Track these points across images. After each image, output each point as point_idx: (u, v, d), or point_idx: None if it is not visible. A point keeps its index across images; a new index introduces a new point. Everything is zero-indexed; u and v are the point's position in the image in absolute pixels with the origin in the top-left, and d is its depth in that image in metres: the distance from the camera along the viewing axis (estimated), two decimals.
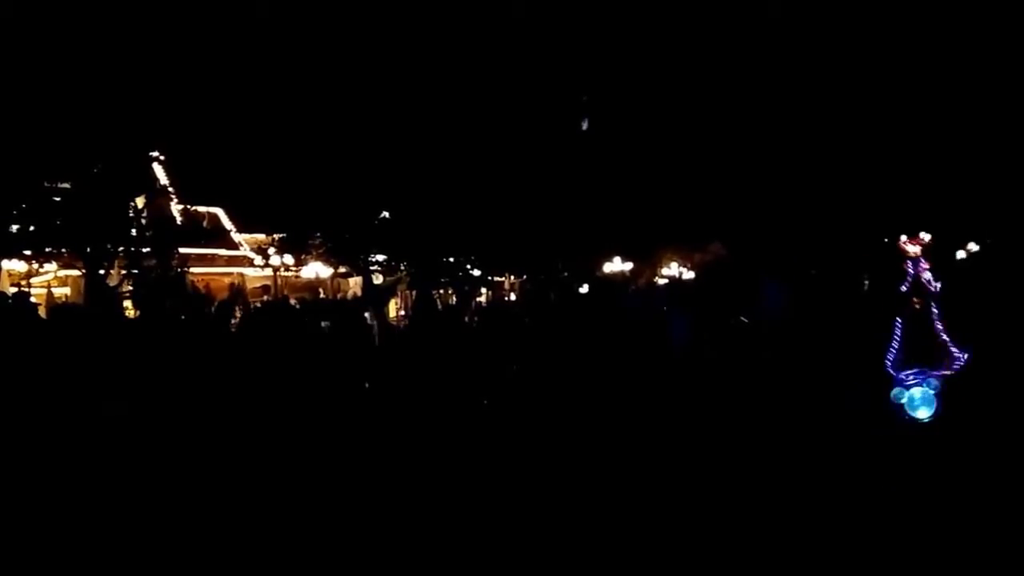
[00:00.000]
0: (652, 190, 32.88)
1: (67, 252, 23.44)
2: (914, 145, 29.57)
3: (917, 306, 11.05)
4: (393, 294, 29.49)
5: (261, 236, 32.87)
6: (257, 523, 6.49)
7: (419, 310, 24.08)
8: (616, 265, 33.03)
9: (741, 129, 31.73)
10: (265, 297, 28.42)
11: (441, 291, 31.85)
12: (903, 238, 11.49)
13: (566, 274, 31.86)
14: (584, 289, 26.56)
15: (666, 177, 32.56)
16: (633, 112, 34.04)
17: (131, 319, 20.57)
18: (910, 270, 11.24)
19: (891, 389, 10.62)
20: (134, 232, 23.91)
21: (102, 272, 22.59)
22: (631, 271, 32.01)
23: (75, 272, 24.07)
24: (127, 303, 22.32)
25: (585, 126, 36.45)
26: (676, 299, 18.94)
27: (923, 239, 11.38)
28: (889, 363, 10.95)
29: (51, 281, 26.25)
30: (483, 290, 34.84)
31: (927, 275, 11.17)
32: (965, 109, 29.20)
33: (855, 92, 30.46)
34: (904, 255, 11.41)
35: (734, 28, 32.27)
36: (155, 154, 27.40)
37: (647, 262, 31.49)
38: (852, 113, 30.40)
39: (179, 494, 7.23)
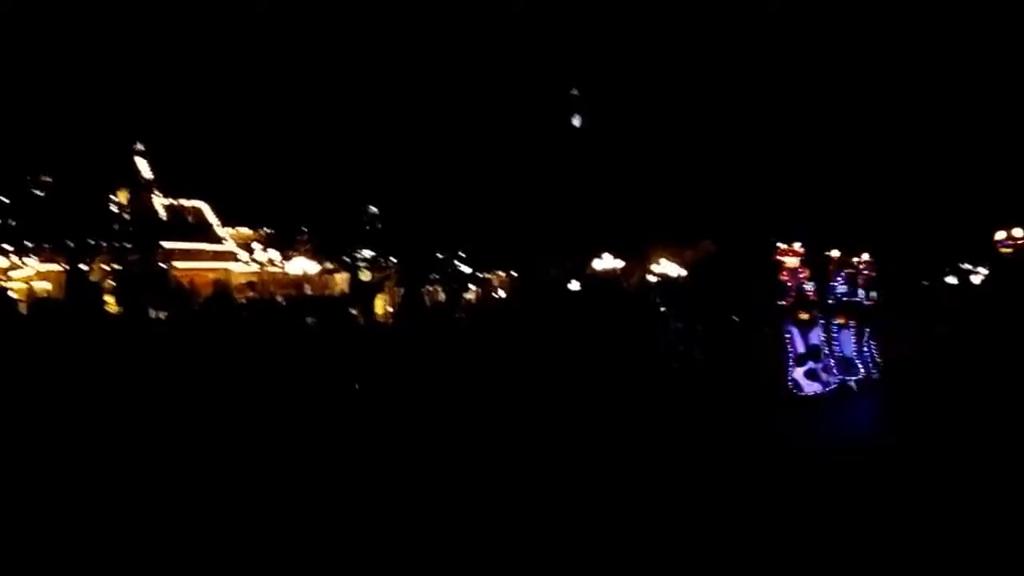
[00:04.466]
0: (644, 187, 32.69)
1: (48, 246, 23.13)
2: (912, 143, 29.45)
3: (805, 317, 10.78)
4: (380, 291, 29.26)
5: (247, 231, 32.55)
6: (243, 523, 6.30)
7: (407, 307, 23.87)
8: (607, 263, 32.83)
9: (733, 126, 31.59)
10: (250, 293, 28.13)
11: (430, 288, 31.63)
12: (782, 246, 11.21)
13: (554, 272, 31.67)
14: (575, 286, 26.37)
15: (658, 174, 32.37)
16: (625, 108, 33.85)
17: (113, 315, 20.32)
18: (789, 282, 10.96)
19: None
20: (116, 226, 23.59)
21: (84, 267, 22.29)
22: (622, 269, 31.85)
23: (56, 267, 23.70)
24: (109, 299, 22.04)
25: (576, 122, 36.27)
26: (669, 299, 18.75)
27: (799, 249, 11.11)
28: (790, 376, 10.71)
29: (31, 276, 25.89)
30: (472, 287, 34.66)
31: (809, 285, 10.93)
32: (972, 112, 29.07)
33: (851, 87, 30.36)
34: (781, 267, 11.13)
35: (726, 24, 32.18)
36: (138, 147, 27.08)
37: (638, 260, 31.33)
38: (848, 108, 30.28)
39: (161, 492, 7.04)
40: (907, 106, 29.58)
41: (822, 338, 11.13)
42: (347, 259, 30.29)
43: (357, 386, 12.38)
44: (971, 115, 28.79)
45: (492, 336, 15.48)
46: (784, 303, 11.14)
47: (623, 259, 32.32)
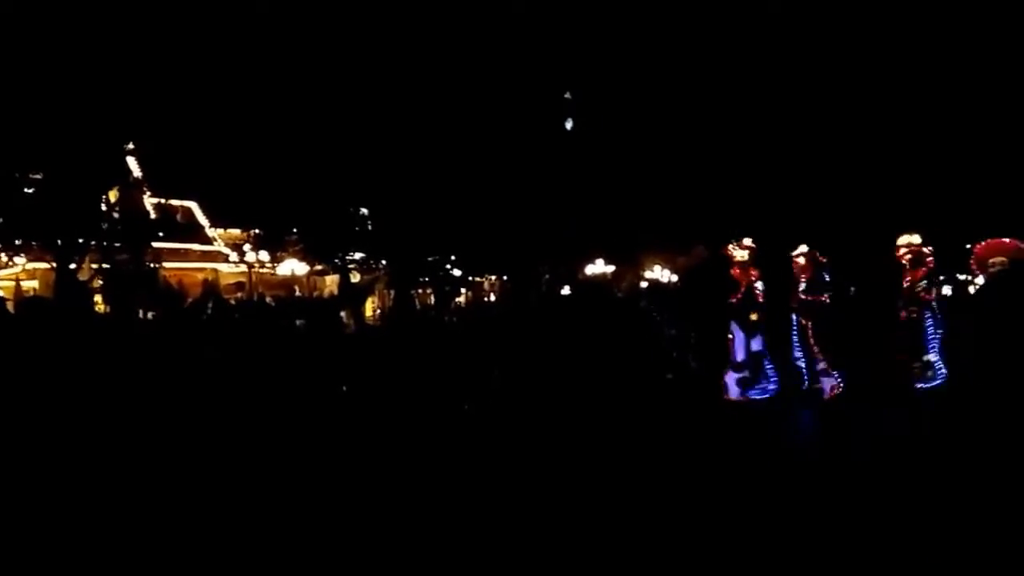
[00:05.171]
0: (636, 191, 32.71)
1: (37, 245, 22.93)
2: (903, 145, 29.50)
3: (754, 319, 10.48)
4: (371, 293, 29.16)
5: (236, 231, 32.41)
6: (230, 525, 6.26)
7: (397, 310, 23.76)
8: (598, 267, 32.82)
9: (726, 130, 31.63)
10: (239, 294, 27.98)
11: (420, 291, 31.53)
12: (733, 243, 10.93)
13: (548, 276, 31.64)
14: (566, 291, 26.31)
15: (650, 178, 32.39)
16: (617, 112, 33.88)
17: (102, 315, 20.18)
18: (739, 278, 10.69)
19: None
20: (106, 225, 23.41)
21: (72, 266, 22.10)
22: (613, 274, 31.80)
23: (44, 265, 23.51)
24: (97, 298, 21.88)
25: (569, 125, 36.25)
26: (661, 305, 18.67)
27: (748, 244, 10.81)
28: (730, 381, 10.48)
29: (19, 274, 25.72)
30: (463, 290, 34.58)
31: (759, 285, 10.67)
32: (943, 110, 29.15)
33: (840, 89, 30.43)
34: (731, 261, 10.84)
35: (718, 30, 32.25)
36: (129, 145, 26.90)
37: (629, 265, 31.28)
38: (837, 110, 30.35)
39: (148, 493, 6.98)
40: (894, 109, 29.69)
41: (763, 344, 10.73)
42: (337, 261, 30.15)
43: (345, 389, 12.28)
44: (946, 119, 28.92)
45: (482, 340, 15.38)
46: (732, 300, 10.82)
47: (614, 264, 32.33)
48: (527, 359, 13.20)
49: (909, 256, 11.19)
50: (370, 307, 28.70)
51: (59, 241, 21.77)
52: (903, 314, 11.12)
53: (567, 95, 36.09)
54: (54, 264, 22.09)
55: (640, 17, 32.40)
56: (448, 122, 29.42)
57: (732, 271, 10.90)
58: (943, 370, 10.76)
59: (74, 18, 21.69)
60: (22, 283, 25.09)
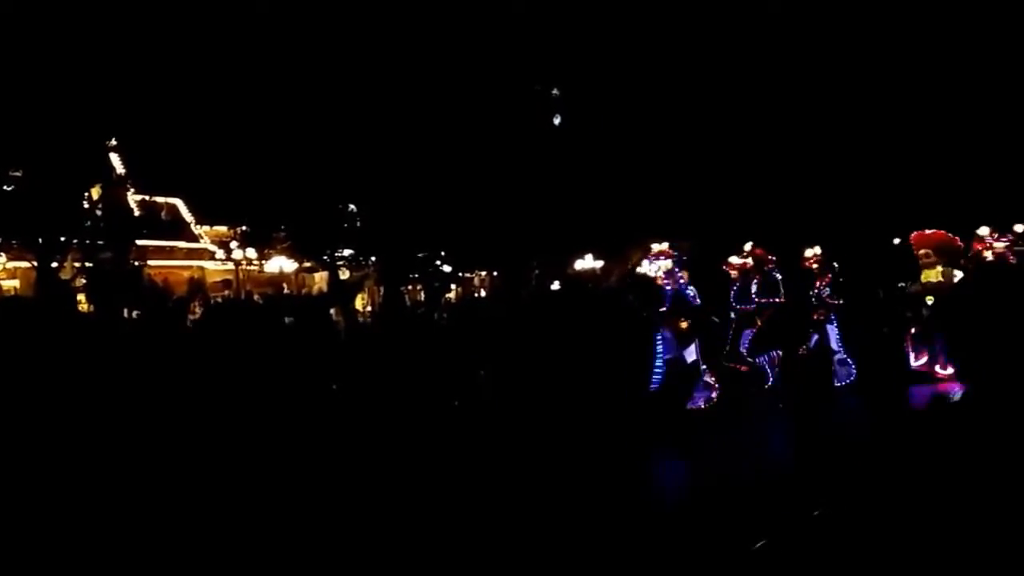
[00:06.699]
0: (625, 186, 32.62)
1: (17, 243, 22.70)
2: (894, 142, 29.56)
3: (684, 326, 10.33)
4: (360, 290, 29.01)
5: (223, 228, 32.19)
6: (217, 524, 6.28)
7: (387, 307, 23.64)
8: (588, 262, 32.81)
9: (713, 125, 31.60)
10: (226, 292, 27.83)
11: (410, 287, 31.44)
12: (654, 247, 10.94)
13: (537, 271, 31.60)
14: (555, 286, 26.27)
15: (639, 173, 32.32)
16: (606, 107, 33.78)
17: (85, 314, 19.99)
18: (667, 285, 10.57)
19: None
20: (89, 223, 23.19)
21: (54, 265, 21.90)
22: (602, 269, 31.77)
23: (25, 264, 23.27)
24: (80, 297, 21.68)
25: (558, 121, 36.17)
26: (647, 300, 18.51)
27: (669, 251, 10.77)
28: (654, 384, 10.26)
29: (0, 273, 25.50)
30: (453, 286, 34.53)
31: (691, 291, 10.60)
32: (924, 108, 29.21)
33: (827, 86, 30.46)
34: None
35: (707, 25, 32.25)
36: (112, 141, 26.67)
37: (618, 260, 31.13)
38: (825, 107, 30.37)
39: (133, 494, 7.00)
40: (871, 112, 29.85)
41: (699, 353, 10.54)
42: (326, 258, 30.02)
43: (335, 387, 12.18)
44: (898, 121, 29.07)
45: (472, 337, 15.32)
46: (662, 309, 10.66)
47: (603, 259, 32.27)
48: (516, 356, 13.12)
49: (815, 265, 12.18)
50: (360, 304, 28.57)
51: (40, 239, 21.58)
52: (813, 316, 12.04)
53: (555, 91, 36.00)
54: (36, 263, 21.89)
55: (627, 13, 32.36)
56: (437, 117, 29.27)
57: (657, 279, 10.85)
58: (853, 368, 11.75)
59: (57, 12, 21.49)
60: (2, 283, 24.84)
